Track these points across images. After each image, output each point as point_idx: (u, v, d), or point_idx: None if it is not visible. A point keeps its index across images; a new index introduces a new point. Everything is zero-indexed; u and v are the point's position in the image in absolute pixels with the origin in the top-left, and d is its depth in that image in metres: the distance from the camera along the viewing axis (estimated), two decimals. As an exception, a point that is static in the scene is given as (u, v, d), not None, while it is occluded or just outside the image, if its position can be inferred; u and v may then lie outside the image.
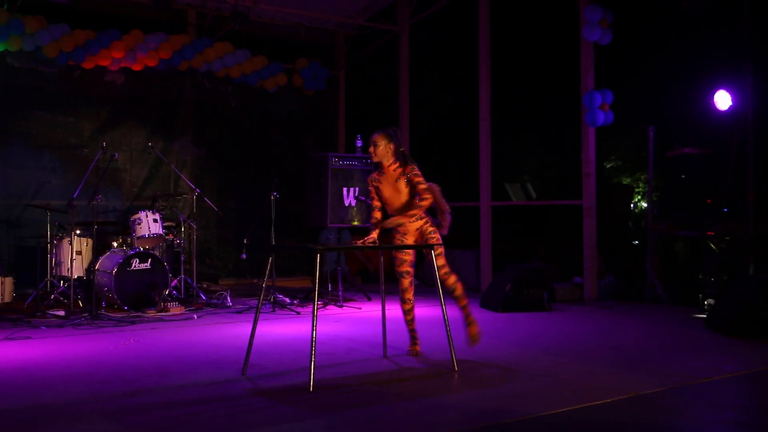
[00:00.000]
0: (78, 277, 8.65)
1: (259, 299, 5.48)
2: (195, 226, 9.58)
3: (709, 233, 8.60)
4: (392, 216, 5.91)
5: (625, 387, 4.82)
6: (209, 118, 11.89)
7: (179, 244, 9.50)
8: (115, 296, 8.25)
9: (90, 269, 8.60)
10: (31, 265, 9.09)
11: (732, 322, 6.87)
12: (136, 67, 10.68)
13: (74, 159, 10.60)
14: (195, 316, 8.12)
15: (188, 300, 9.08)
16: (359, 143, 9.76)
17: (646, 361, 5.82)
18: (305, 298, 9.37)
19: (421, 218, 5.88)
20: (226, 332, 7.20)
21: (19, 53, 10.00)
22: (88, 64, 10.34)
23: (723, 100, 8.82)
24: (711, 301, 8.17)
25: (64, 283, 8.68)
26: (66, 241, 8.71)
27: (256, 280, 11.55)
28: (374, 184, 5.98)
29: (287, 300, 9.00)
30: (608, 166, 13.52)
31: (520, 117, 11.71)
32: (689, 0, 8.99)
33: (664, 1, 9.47)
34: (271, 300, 8.70)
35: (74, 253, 8.50)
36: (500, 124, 11.07)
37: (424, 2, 11.84)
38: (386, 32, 12.38)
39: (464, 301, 5.83)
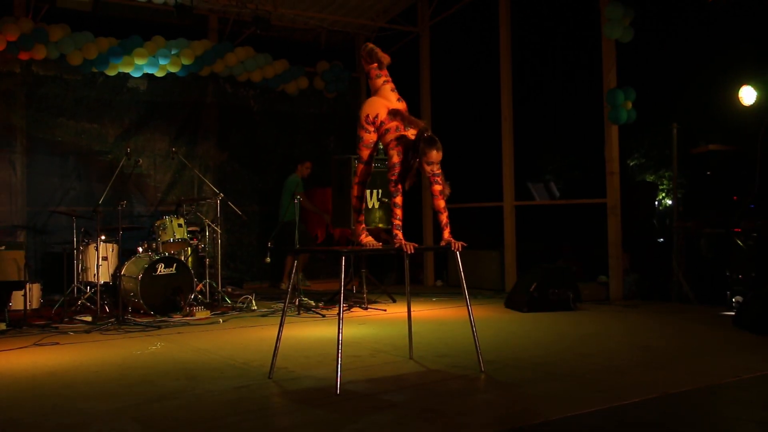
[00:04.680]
0: (104, 282, 8.72)
1: (284, 303, 5.49)
2: (219, 231, 9.62)
3: (735, 230, 8.50)
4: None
5: (654, 386, 4.77)
6: (232, 123, 11.97)
7: (204, 248, 9.55)
8: (141, 301, 8.31)
9: (116, 275, 8.67)
10: (58, 272, 9.18)
11: (761, 320, 6.78)
12: (159, 73, 10.77)
13: (99, 165, 10.72)
14: (220, 320, 8.16)
15: (213, 304, 9.12)
16: None
17: (674, 359, 5.77)
18: (330, 300, 9.37)
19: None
20: (251, 336, 7.22)
21: (43, 61, 10.13)
22: (111, 71, 10.45)
23: (748, 95, 8.73)
24: (739, 298, 8.07)
25: (90, 289, 8.76)
26: (92, 246, 8.78)
27: (280, 284, 11.57)
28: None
29: (312, 303, 9.03)
30: (632, 163, 13.43)
31: (543, 115, 11.65)
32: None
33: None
34: (296, 303, 8.72)
35: (100, 259, 8.57)
36: (522, 123, 11.03)
37: (444, 3, 11.84)
38: (407, 34, 12.39)
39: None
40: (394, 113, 5.19)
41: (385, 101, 5.28)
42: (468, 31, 11.92)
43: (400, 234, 5.22)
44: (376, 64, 5.43)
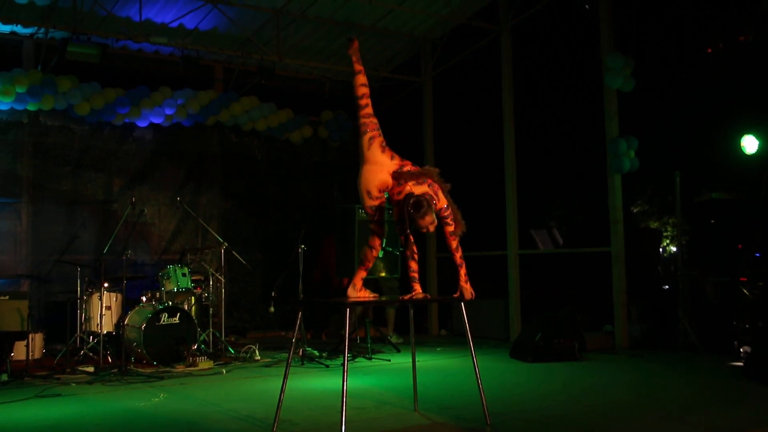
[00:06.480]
0: (107, 332, 8.68)
1: (289, 353, 5.45)
2: (223, 280, 9.60)
3: (741, 279, 8.47)
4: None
5: (663, 440, 4.72)
6: (236, 171, 12.03)
7: (207, 297, 9.52)
8: (144, 351, 8.26)
9: (119, 324, 8.63)
10: (61, 321, 9.12)
11: (770, 371, 6.71)
12: (165, 123, 10.87)
13: (104, 214, 10.76)
14: (224, 371, 8.09)
15: (217, 354, 9.06)
16: None
17: (684, 411, 5.69)
18: (334, 350, 9.31)
19: None
20: (254, 387, 7.15)
21: (51, 111, 10.23)
22: (117, 121, 10.54)
23: (750, 144, 8.77)
24: (747, 348, 7.99)
25: (93, 339, 8.71)
26: (95, 296, 8.76)
27: (284, 333, 11.52)
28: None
29: (316, 353, 8.96)
30: (635, 210, 13.44)
31: (546, 162, 11.72)
32: (712, 45, 9.00)
33: (687, 47, 9.48)
34: (300, 353, 8.66)
35: (104, 309, 8.55)
36: (525, 170, 11.06)
37: (447, 53, 11.98)
38: (410, 83, 12.51)
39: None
40: (397, 175, 5.20)
41: (380, 168, 5.25)
42: (471, 80, 12.04)
43: (417, 287, 5.38)
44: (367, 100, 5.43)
